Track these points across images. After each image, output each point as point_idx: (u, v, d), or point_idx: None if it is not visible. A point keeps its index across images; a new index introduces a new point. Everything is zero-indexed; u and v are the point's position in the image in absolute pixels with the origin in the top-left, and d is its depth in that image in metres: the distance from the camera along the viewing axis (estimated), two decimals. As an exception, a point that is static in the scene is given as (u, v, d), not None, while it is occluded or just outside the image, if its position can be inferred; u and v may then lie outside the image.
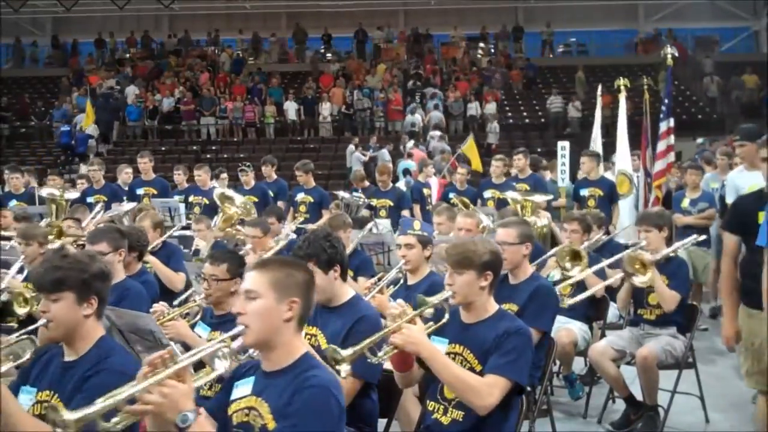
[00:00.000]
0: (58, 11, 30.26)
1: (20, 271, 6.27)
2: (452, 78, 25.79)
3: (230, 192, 9.75)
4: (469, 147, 15.85)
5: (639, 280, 5.61)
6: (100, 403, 2.48)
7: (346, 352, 3.22)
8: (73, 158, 22.48)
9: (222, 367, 2.82)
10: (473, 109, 23.72)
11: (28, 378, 3.22)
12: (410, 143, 20.52)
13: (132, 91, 25.18)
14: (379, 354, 3.46)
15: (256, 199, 10.02)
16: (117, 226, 6.43)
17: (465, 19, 28.79)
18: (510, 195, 8.84)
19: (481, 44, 28.44)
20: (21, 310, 5.62)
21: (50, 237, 7.12)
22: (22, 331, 3.27)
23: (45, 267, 3.20)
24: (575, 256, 6.21)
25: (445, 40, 28.49)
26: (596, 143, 11.73)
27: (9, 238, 7.56)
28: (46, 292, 3.14)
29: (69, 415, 2.44)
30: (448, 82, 25.61)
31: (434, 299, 3.66)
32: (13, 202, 10.17)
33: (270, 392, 2.81)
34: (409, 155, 18.48)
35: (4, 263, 6.44)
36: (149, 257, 6.66)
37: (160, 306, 4.63)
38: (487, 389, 3.45)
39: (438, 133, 21.48)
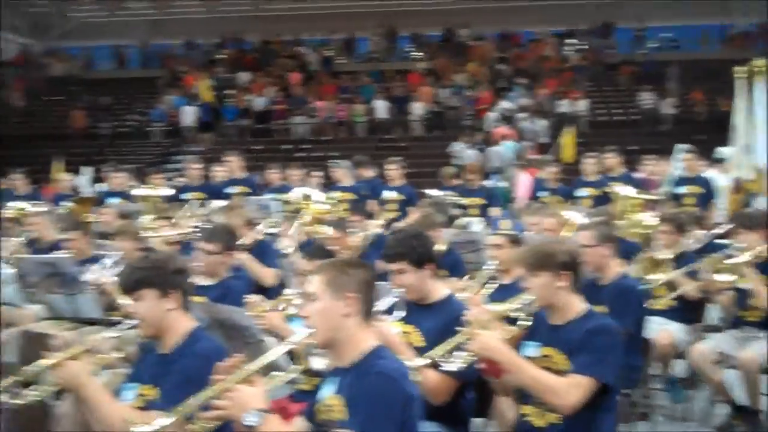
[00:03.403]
0: (151, 14, 31.16)
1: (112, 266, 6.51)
2: (541, 75, 25.50)
3: (311, 191, 9.84)
4: (567, 138, 15.79)
5: (744, 283, 5.46)
6: (177, 413, 2.67)
7: (420, 361, 3.25)
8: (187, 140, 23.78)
9: (320, 363, 2.91)
10: (564, 106, 23.43)
11: (136, 373, 3.36)
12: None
13: (247, 77, 25.94)
14: (455, 360, 3.47)
15: (353, 197, 10.08)
16: (230, 227, 6.56)
17: (553, 16, 28.39)
18: (626, 192, 8.59)
19: (570, 40, 28.01)
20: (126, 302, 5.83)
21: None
22: (127, 324, 3.40)
23: (127, 269, 3.37)
24: (657, 264, 6.07)
25: (533, 37, 28.17)
26: (738, 139, 10.85)
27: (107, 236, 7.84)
28: (128, 292, 3.28)
29: (139, 429, 2.62)
30: (536, 79, 25.32)
31: (512, 305, 3.66)
32: (116, 200, 10.53)
33: (344, 387, 2.88)
34: (503, 137, 18.45)
35: (100, 258, 6.71)
36: (241, 255, 6.75)
37: (255, 297, 4.71)
38: (567, 388, 3.42)
39: (524, 114, 21.28)
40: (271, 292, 6.64)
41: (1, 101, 27.17)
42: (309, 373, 4.18)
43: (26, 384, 3.14)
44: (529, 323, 3.71)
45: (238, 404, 2.64)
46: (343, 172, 11.00)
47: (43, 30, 34.21)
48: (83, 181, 14.26)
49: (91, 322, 6.09)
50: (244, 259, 6.77)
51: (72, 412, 3.36)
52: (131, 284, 3.25)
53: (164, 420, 2.63)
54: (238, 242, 6.47)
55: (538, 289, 3.65)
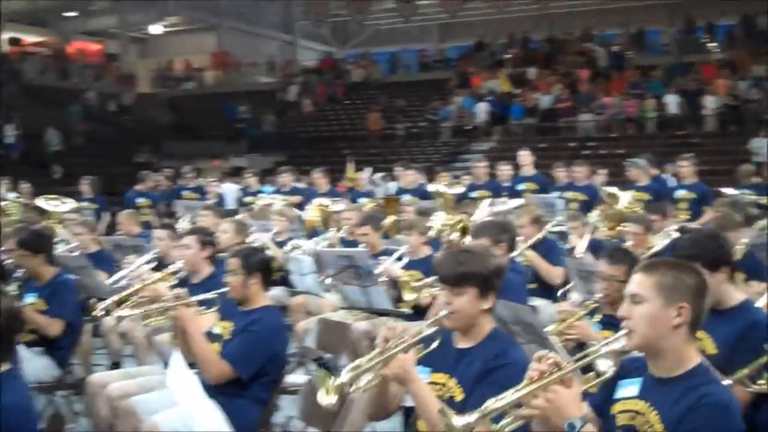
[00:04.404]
0: (443, 18, 32.11)
1: (399, 259, 6.81)
2: None
3: (614, 190, 9.65)
4: None
5: None
6: (490, 406, 2.61)
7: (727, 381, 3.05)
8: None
9: (606, 367, 2.84)
10: None
11: (422, 359, 3.42)
12: None
13: (534, 76, 26.13)
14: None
15: (648, 197, 9.79)
16: (499, 220, 6.70)
17: None
18: None
19: None
20: (409, 297, 6.12)
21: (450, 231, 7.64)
22: (430, 322, 3.49)
23: (450, 262, 3.37)
24: None
25: None
26: None
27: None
28: (450, 285, 3.30)
29: (458, 420, 2.59)
30: None
31: None
32: (407, 196, 11.03)
33: (660, 400, 2.71)
34: None
35: (391, 251, 7.06)
36: (527, 252, 6.81)
37: (567, 305, 4.71)
38: None
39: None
40: (553, 292, 6.69)
41: (301, 105, 29.33)
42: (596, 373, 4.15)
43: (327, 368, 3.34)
44: None
45: (556, 407, 2.54)
46: (638, 172, 10.62)
47: (343, 38, 36.57)
48: (366, 179, 14.99)
49: (383, 313, 6.45)
50: (531, 256, 6.81)
51: (363, 399, 3.56)
52: (456, 278, 3.29)
53: (479, 413, 2.59)
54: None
55: None
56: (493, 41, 29.74)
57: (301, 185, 13.47)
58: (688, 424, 2.59)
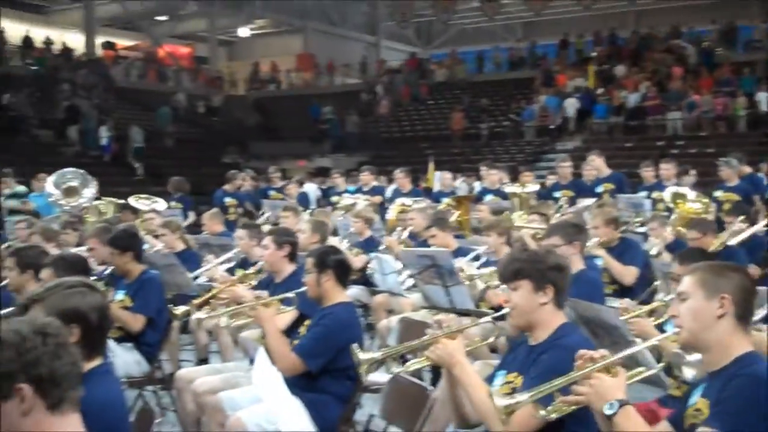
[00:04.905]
0: (527, 16, 31.83)
1: (476, 258, 6.83)
2: None
3: (683, 189, 9.45)
4: None
5: None
6: (533, 391, 2.72)
7: None
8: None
9: (690, 375, 2.83)
10: None
11: (504, 362, 3.52)
12: None
13: (621, 71, 25.70)
14: None
15: (737, 197, 9.52)
16: (572, 220, 6.63)
17: None
18: None
19: None
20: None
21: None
22: (491, 316, 3.60)
23: (507, 260, 3.48)
24: None
25: None
26: None
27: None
28: (506, 281, 3.39)
29: (499, 401, 2.73)
30: None
31: None
32: (489, 197, 10.99)
33: (711, 391, 2.74)
34: None
35: (467, 251, 7.06)
36: (599, 251, 6.74)
37: (625, 303, 4.67)
38: None
39: None
40: (634, 292, 6.58)
41: (384, 106, 29.45)
42: (680, 380, 4.08)
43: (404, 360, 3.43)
44: None
45: (597, 392, 2.65)
46: (730, 172, 10.29)
47: (426, 38, 36.61)
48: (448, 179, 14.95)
49: (464, 313, 6.44)
50: (602, 255, 6.74)
51: (445, 397, 3.57)
52: (509, 274, 3.37)
53: (524, 395, 2.73)
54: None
55: None
56: (578, 39, 29.34)
57: (382, 185, 13.53)
58: (726, 398, 2.62)
